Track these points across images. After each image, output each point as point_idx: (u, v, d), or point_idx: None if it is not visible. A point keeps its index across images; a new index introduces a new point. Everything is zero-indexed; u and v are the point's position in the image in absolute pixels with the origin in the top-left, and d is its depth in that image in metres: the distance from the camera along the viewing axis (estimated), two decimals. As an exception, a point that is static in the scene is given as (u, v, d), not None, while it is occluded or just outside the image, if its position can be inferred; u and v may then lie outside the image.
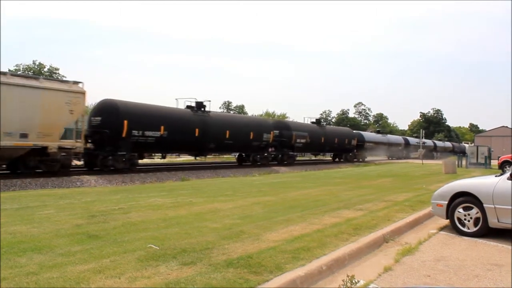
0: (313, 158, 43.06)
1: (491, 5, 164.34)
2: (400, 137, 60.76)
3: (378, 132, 52.08)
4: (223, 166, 26.08)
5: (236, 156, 30.14)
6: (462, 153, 68.50)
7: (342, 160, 38.62)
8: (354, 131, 45.45)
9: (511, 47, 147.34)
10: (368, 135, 46.38)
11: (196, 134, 22.09)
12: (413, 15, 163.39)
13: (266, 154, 28.47)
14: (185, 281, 3.98)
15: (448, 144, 75.79)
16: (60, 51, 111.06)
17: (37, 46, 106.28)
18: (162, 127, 20.08)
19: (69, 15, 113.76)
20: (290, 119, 76.62)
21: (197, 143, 22.57)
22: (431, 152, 62.34)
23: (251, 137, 26.11)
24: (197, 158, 27.31)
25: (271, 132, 28.25)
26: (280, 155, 29.76)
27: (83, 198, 9.92)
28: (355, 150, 39.76)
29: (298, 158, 36.78)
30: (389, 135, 54.74)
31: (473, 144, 57.58)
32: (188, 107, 24.00)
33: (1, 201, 8.92)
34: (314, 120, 36.65)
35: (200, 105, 24.01)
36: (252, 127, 26.80)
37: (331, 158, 41.34)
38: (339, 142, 36.66)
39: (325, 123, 35.11)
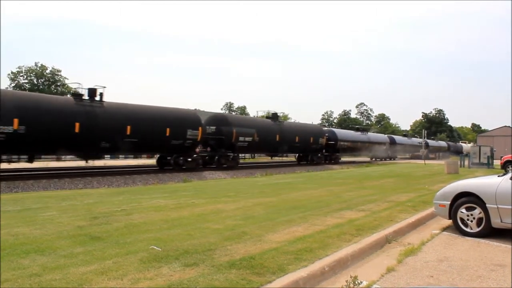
0: (276, 159, 37.21)
1: (491, 5, 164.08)
2: (385, 135, 55.30)
3: (357, 129, 45.95)
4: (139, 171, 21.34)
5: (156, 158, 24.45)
6: (458, 152, 67.57)
7: (308, 162, 33.09)
8: (324, 128, 41.65)
9: (511, 47, 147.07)
10: (342, 132, 41.14)
11: (77, 130, 17.08)
12: (413, 15, 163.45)
13: (194, 155, 23.10)
14: (188, 282, 3.98)
15: (442, 143, 72.89)
16: (60, 52, 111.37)
17: (38, 47, 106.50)
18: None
19: (69, 15, 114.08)
20: (292, 120, 76.43)
21: (82, 141, 17.44)
22: (422, 152, 59.76)
23: (167, 134, 20.92)
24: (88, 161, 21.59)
25: (199, 128, 22.64)
26: (216, 157, 24.39)
27: (86, 200, 9.94)
28: (324, 151, 34.67)
29: (252, 160, 34.67)
30: (370, 133, 49.04)
31: (474, 144, 57.33)
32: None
33: (4, 203, 8.94)
34: (270, 115, 30.58)
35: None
36: (169, 121, 21.33)
37: (296, 160, 35.97)
38: (301, 140, 31.08)
39: (281, 118, 30.28)
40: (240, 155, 28.09)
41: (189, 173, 20.64)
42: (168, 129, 20.88)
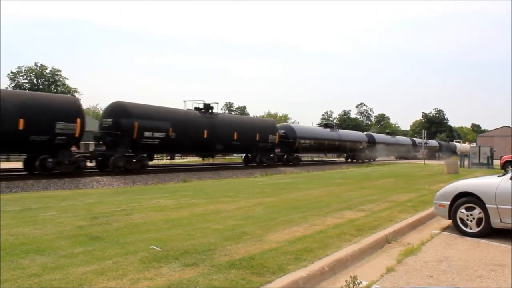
0: (218, 160, 33.40)
1: (491, 5, 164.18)
2: (363, 133, 48.89)
3: (326, 126, 40.12)
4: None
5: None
6: (452, 152, 66.31)
7: (257, 163, 27.56)
8: (284, 124, 36.69)
9: (511, 47, 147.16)
10: (303, 129, 35.14)
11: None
12: (413, 15, 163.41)
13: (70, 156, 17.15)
14: (188, 282, 3.98)
15: (433, 142, 67.08)
16: (60, 52, 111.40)
17: (38, 47, 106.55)
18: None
19: (69, 15, 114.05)
20: (292, 120, 76.32)
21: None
22: (409, 152, 56.43)
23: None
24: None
25: (78, 120, 17.33)
26: (112, 158, 18.60)
27: (86, 200, 9.94)
28: (278, 150, 29.54)
29: (171, 162, 28.18)
30: (343, 131, 43.55)
31: (474, 144, 57.11)
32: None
33: (4, 203, 8.94)
34: (200, 106, 24.33)
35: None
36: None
37: (242, 161, 30.74)
38: (243, 137, 25.35)
39: (215, 111, 24.87)
40: (153, 155, 21.94)
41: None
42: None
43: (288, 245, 5.54)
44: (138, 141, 19.27)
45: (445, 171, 23.72)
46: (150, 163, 21.59)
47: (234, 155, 35.99)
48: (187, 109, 24.17)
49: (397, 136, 57.78)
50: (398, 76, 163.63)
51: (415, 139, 63.02)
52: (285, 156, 30.16)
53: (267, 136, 27.86)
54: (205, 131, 23.16)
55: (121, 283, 3.95)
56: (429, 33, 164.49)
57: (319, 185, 14.63)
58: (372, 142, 45.08)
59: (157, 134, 20.10)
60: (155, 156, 24.02)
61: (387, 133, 56.60)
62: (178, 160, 33.72)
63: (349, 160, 41.40)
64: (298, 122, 64.33)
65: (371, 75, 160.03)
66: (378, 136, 49.13)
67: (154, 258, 4.76)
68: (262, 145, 27.56)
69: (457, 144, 74.92)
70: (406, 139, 60.31)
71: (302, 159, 36.62)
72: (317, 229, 6.66)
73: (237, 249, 5.26)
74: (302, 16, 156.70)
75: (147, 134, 19.60)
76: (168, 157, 25.61)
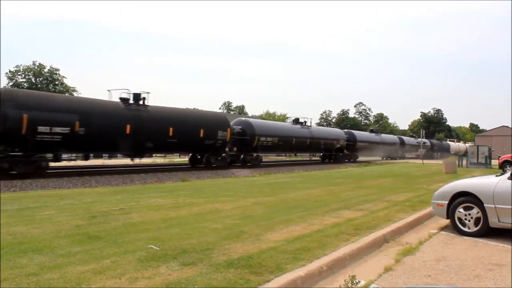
0: (146, 161, 26.91)
1: (491, 5, 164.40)
2: (336, 129, 45.28)
3: (297, 121, 34.58)
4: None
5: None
6: (444, 151, 61.25)
7: (204, 164, 23.79)
8: (240, 119, 29.93)
9: (511, 47, 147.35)
10: (264, 125, 30.12)
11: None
12: (413, 15, 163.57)
13: None
14: (186, 281, 3.98)
15: (424, 141, 60.01)
16: (60, 52, 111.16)
17: (38, 47, 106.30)
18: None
19: (68, 15, 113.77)
20: (290, 120, 76.07)
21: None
22: (396, 151, 52.26)
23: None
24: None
25: None
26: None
27: (84, 199, 9.92)
28: (235, 149, 26.55)
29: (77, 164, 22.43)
30: (315, 127, 39.71)
31: (472, 144, 56.98)
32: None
33: (2, 202, 8.92)
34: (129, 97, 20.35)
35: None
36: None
37: (188, 162, 25.64)
38: (178, 133, 21.15)
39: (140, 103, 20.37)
40: (59, 155, 17.44)
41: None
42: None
43: (286, 244, 5.54)
44: (28, 137, 15.63)
45: (443, 170, 23.75)
46: (56, 164, 18.63)
47: (175, 154, 31.13)
48: (108, 100, 20.03)
49: (383, 134, 52.94)
50: (397, 75, 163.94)
51: (403, 137, 59.19)
52: (242, 156, 26.43)
53: (215, 132, 23.57)
54: (128, 126, 19.00)
55: (119, 282, 3.94)
56: (429, 33, 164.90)
57: (317, 185, 14.63)
58: (352, 140, 40.57)
59: (57, 129, 16.39)
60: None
61: (371, 131, 51.13)
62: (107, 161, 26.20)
63: (326, 160, 37.48)
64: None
65: (370, 75, 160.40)
66: (359, 134, 44.49)
67: (152, 257, 4.76)
68: (209, 142, 23.25)
69: (451, 143, 69.99)
70: (393, 138, 55.26)
71: (265, 160, 32.37)
72: (315, 228, 6.67)
73: (235, 248, 5.26)
74: (302, 16, 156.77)
75: (42, 129, 15.94)
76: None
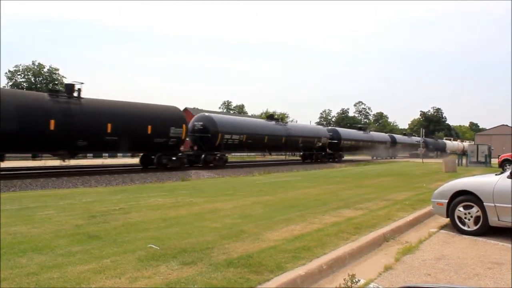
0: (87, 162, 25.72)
1: (491, 4, 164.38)
2: (317, 126, 43.16)
3: (271, 118, 33.04)
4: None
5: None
6: (439, 150, 58.90)
7: (156, 166, 21.09)
8: (202, 114, 26.78)
9: (511, 46, 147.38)
10: (229, 121, 27.64)
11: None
12: (413, 15, 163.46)
13: None
14: (186, 281, 3.98)
15: (415, 139, 58.50)
16: (59, 51, 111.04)
17: (38, 47, 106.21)
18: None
19: (68, 15, 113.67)
20: (290, 119, 75.81)
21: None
22: (386, 150, 49.43)
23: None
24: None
25: None
26: None
27: (84, 199, 9.92)
28: (195, 148, 24.88)
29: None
30: (292, 124, 37.60)
31: (471, 142, 56.68)
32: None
33: (2, 201, 8.92)
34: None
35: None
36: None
37: (140, 164, 22.92)
38: (119, 130, 18.66)
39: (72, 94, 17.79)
40: None
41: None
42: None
43: (286, 243, 5.54)
44: None
45: (443, 169, 23.76)
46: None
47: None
48: (30, 91, 17.29)
49: (372, 132, 50.46)
50: (397, 75, 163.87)
51: (394, 135, 57.05)
52: (203, 156, 23.86)
53: (167, 129, 21.03)
54: (53, 122, 16.49)
55: (119, 281, 3.94)
56: (429, 32, 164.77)
57: (317, 184, 14.64)
58: (336, 138, 37.93)
59: None
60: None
61: (359, 128, 48.49)
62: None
63: (308, 160, 35.33)
64: (296, 121, 62.16)
65: (370, 75, 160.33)
66: (344, 132, 42.07)
67: (152, 256, 4.76)
68: (159, 140, 20.74)
69: (447, 141, 66.71)
70: (383, 136, 51.87)
71: (232, 160, 30.95)
72: (315, 227, 6.66)
73: (235, 247, 5.26)
74: (302, 16, 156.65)
75: None
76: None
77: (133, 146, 20.38)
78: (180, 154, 22.19)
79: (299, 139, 32.57)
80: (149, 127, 19.98)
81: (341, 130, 42.46)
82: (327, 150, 36.90)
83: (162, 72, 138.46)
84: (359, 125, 60.51)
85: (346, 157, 41.43)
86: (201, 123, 24.63)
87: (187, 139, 23.57)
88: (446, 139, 70.66)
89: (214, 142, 24.40)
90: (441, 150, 62.07)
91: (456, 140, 76.64)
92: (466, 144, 71.70)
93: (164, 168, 20.99)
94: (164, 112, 21.84)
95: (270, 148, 30.83)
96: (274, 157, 40.18)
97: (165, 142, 21.01)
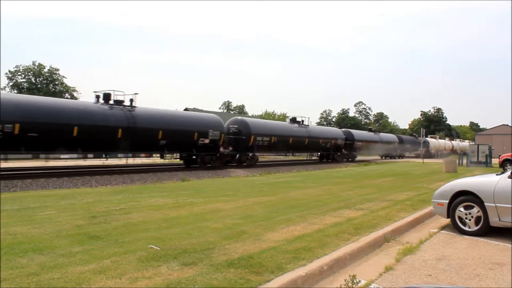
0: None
1: (492, 2, 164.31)
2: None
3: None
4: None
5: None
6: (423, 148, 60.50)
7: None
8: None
9: (511, 45, 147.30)
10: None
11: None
12: (412, 13, 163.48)
13: None
14: (186, 281, 3.98)
15: (390, 136, 53.26)
16: (58, 50, 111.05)
17: (36, 46, 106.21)
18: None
19: (67, 14, 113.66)
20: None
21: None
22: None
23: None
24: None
25: None
26: None
27: (84, 199, 9.92)
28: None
29: None
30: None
31: (471, 142, 56.24)
32: None
33: (2, 202, 8.92)
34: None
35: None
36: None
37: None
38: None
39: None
40: None
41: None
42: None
43: (287, 244, 5.54)
44: None
45: (444, 169, 23.76)
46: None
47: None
48: None
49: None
50: (397, 74, 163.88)
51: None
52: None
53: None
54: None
55: (119, 282, 3.94)
56: (429, 31, 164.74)
57: (318, 184, 14.63)
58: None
59: None
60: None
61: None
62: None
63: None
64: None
65: (370, 74, 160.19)
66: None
67: (153, 257, 4.76)
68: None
69: (432, 140, 61.83)
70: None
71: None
72: (315, 228, 6.66)
73: (235, 248, 5.26)
74: (302, 15, 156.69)
75: None
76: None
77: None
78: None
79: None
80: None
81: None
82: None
83: (161, 71, 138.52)
84: (369, 127, 61.80)
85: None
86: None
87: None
88: (431, 137, 68.15)
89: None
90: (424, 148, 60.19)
91: (445, 138, 73.79)
92: (455, 142, 70.47)
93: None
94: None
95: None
96: (296, 157, 40.95)
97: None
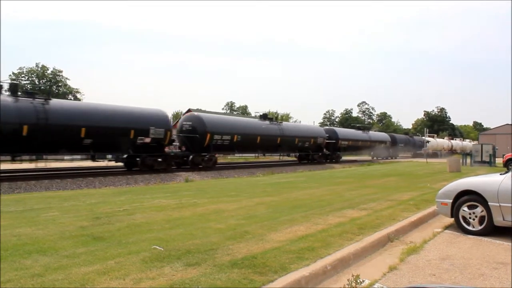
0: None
1: (495, 2, 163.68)
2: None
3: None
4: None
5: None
6: (416, 148, 53.69)
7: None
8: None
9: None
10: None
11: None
12: (415, 13, 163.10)
13: None
14: (190, 282, 3.98)
15: (382, 135, 50.24)
16: (60, 52, 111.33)
17: (39, 48, 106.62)
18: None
19: (68, 16, 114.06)
20: (293, 119, 75.75)
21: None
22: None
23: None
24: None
25: None
26: None
27: (88, 200, 9.95)
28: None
29: None
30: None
31: (473, 141, 55.90)
32: None
33: (6, 203, 8.96)
34: None
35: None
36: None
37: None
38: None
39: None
40: None
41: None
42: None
43: (290, 244, 5.53)
44: None
45: (447, 169, 23.69)
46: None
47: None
48: None
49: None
50: (401, 74, 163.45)
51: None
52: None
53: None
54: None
55: (123, 283, 3.95)
56: (433, 31, 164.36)
57: (321, 184, 14.62)
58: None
59: None
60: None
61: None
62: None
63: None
64: (300, 121, 61.21)
65: (374, 74, 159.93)
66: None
67: (157, 258, 4.76)
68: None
69: (430, 139, 58.07)
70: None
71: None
72: (319, 228, 6.66)
73: (239, 248, 5.26)
74: (303, 15, 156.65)
75: None
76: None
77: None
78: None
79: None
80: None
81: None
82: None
83: (163, 72, 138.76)
84: (358, 125, 57.27)
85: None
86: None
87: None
88: (429, 136, 66.13)
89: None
90: (419, 148, 58.17)
91: (445, 138, 72.60)
92: (455, 142, 69.83)
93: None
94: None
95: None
96: (268, 158, 38.89)
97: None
